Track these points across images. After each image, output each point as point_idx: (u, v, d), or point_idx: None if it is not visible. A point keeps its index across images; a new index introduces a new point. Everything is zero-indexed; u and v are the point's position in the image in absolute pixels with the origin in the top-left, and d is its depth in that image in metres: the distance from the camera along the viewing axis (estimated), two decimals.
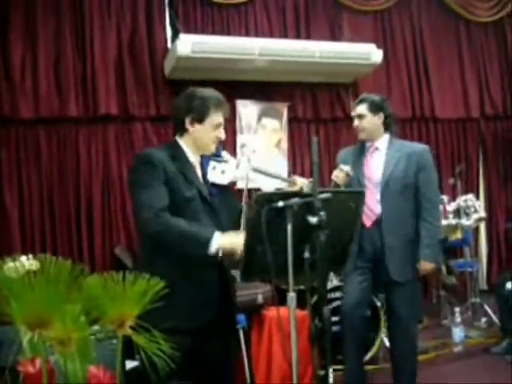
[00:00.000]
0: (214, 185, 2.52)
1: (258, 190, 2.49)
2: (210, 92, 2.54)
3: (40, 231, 5.02)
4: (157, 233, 2.29)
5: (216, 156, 2.58)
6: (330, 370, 1.74)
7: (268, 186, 2.54)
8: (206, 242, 2.23)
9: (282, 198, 1.92)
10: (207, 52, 5.00)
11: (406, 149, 3.39)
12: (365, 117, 3.35)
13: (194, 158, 2.54)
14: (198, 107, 2.47)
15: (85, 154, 5.19)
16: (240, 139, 5.75)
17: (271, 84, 5.81)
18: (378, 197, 3.29)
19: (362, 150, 3.45)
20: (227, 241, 2.25)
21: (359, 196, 2.29)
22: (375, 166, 3.37)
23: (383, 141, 3.41)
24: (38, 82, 5.00)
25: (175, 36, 5.32)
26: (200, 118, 2.48)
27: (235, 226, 2.43)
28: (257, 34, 5.76)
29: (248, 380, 3.74)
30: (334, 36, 6.10)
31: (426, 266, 3.28)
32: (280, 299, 2.67)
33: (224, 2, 5.70)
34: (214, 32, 5.62)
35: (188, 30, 5.43)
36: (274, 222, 1.93)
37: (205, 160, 2.56)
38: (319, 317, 1.83)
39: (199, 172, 2.54)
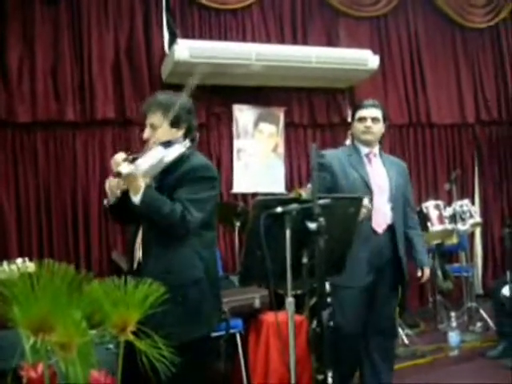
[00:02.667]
0: None
1: (255, 194, 2.50)
2: None
3: (37, 235, 5.01)
4: None
5: None
6: (329, 375, 1.75)
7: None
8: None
9: (281, 203, 1.93)
10: (204, 57, 4.99)
11: (396, 161, 3.54)
12: (379, 121, 3.35)
13: None
14: None
15: (82, 158, 5.19)
16: (237, 144, 5.76)
17: (268, 89, 5.83)
18: (391, 204, 3.27)
19: (355, 153, 3.36)
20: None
21: (358, 202, 2.31)
22: (378, 172, 3.33)
23: (377, 149, 3.41)
24: (36, 86, 5.00)
25: (172, 41, 5.34)
26: None
27: None
28: (254, 40, 5.77)
29: None
30: (331, 42, 6.13)
31: (427, 271, 3.44)
32: (277, 303, 2.68)
33: (221, 8, 5.71)
34: (211, 37, 5.63)
35: (185, 35, 5.44)
36: (272, 227, 1.94)
37: None
38: (318, 321, 1.83)
39: None
